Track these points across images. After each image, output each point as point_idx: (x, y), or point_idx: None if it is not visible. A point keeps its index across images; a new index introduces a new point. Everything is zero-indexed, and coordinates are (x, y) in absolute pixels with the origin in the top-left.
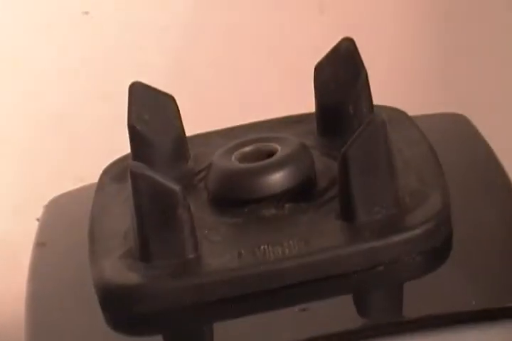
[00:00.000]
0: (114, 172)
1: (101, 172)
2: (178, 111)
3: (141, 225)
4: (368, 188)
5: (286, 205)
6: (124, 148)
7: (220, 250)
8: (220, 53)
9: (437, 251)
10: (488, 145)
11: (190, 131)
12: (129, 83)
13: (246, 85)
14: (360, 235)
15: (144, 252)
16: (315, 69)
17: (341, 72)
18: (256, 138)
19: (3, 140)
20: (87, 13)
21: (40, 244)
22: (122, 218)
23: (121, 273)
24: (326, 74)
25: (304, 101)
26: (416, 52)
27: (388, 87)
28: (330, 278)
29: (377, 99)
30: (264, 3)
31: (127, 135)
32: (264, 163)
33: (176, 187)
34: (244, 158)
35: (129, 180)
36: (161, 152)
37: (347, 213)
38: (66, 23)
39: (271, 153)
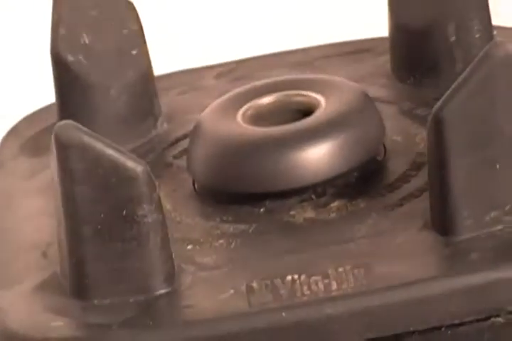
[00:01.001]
0: (25, 138)
1: (1, 138)
2: (141, 29)
3: (76, 233)
4: (479, 178)
5: (333, 204)
6: (44, 97)
7: (214, 281)
8: None
9: None
10: None
11: (162, 65)
12: None
13: None
14: (466, 260)
15: (80, 282)
16: None
17: None
18: (281, 82)
19: None
20: None
21: None
22: (40, 219)
23: (39, 317)
24: None
25: (370, 18)
26: None
27: None
28: (411, 336)
29: (498, 18)
30: None
31: (49, 72)
32: (296, 127)
33: (138, 166)
34: (260, 117)
35: (54, 153)
36: (109, 103)
37: (442, 220)
38: None
39: (308, 111)
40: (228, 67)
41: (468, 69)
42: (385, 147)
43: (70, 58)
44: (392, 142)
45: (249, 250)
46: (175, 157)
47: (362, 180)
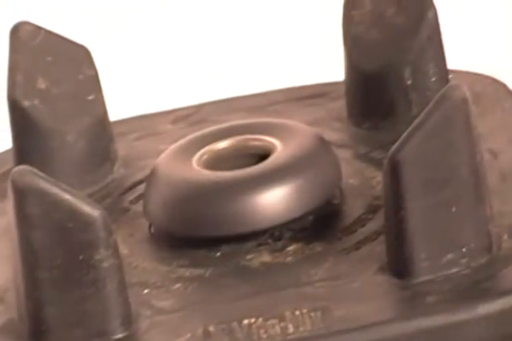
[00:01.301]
0: None
1: None
2: (97, 74)
3: (32, 278)
4: (436, 220)
5: (290, 248)
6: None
7: (171, 325)
8: None
9: None
10: None
11: (118, 111)
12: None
13: (224, 30)
14: (421, 303)
15: (37, 327)
16: (344, 5)
17: (391, 9)
18: (237, 127)
19: None
20: None
21: None
22: None
23: None
24: (364, 13)
25: (325, 62)
26: None
27: (475, 40)
28: None
29: (456, 63)
30: None
31: (5, 117)
32: (252, 171)
33: (95, 211)
34: (216, 162)
35: (10, 198)
36: (66, 149)
37: (398, 263)
38: None
39: (264, 155)
40: (185, 112)
41: (424, 112)
42: (341, 190)
43: (26, 104)
44: (349, 185)
45: (206, 294)
46: (131, 202)
47: (318, 224)
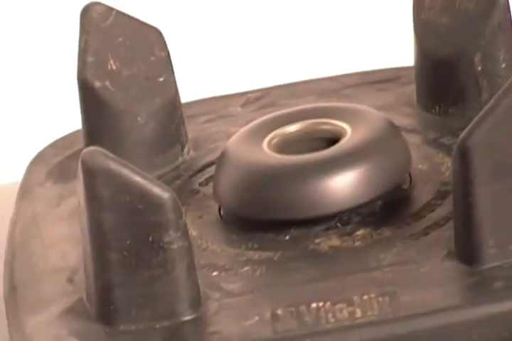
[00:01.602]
0: (51, 165)
1: (28, 163)
2: (169, 56)
3: (102, 259)
4: (504, 207)
5: (358, 232)
6: (69, 123)
7: (239, 308)
8: None
9: None
10: None
11: (189, 92)
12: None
13: (284, 14)
14: (488, 289)
15: (106, 308)
16: None
17: None
18: (307, 111)
19: None
20: None
21: None
22: (65, 245)
23: None
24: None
25: (396, 46)
26: None
27: None
28: None
29: None
30: None
31: (73, 98)
32: (322, 155)
33: (165, 193)
34: (286, 145)
35: (80, 179)
36: (136, 130)
37: (466, 249)
38: None
39: (334, 139)
40: (255, 95)
41: (494, 98)
42: (410, 176)
43: (97, 84)
44: (418, 171)
45: (275, 277)
46: (201, 184)
47: (387, 209)
